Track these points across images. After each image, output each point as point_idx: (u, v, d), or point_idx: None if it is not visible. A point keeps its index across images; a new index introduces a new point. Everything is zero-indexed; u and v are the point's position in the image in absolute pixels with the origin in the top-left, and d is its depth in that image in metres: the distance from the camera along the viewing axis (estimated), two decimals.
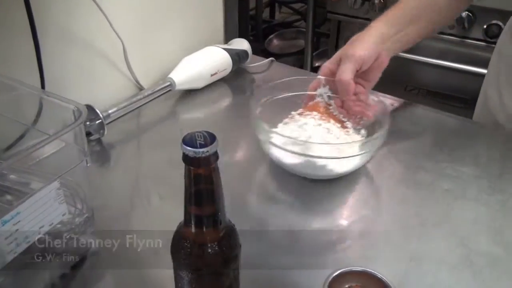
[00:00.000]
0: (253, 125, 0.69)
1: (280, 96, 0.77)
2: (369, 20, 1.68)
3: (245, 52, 0.96)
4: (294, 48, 2.45)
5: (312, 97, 0.75)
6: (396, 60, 1.65)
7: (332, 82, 0.72)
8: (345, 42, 1.83)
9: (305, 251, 0.58)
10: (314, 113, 0.72)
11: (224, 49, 0.92)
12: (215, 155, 0.36)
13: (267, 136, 0.67)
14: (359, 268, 0.51)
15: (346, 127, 0.72)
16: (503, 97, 0.86)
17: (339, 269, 0.50)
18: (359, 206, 0.67)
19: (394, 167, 0.73)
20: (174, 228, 0.59)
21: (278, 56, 2.48)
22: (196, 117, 0.87)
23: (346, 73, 0.69)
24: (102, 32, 0.77)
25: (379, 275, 0.50)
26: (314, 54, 2.38)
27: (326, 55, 1.93)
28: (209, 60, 0.90)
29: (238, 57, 0.94)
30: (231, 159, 0.75)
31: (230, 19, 1.03)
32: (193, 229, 0.39)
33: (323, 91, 0.75)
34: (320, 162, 0.65)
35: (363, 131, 0.73)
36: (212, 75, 0.90)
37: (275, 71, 1.00)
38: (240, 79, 0.97)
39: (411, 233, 0.61)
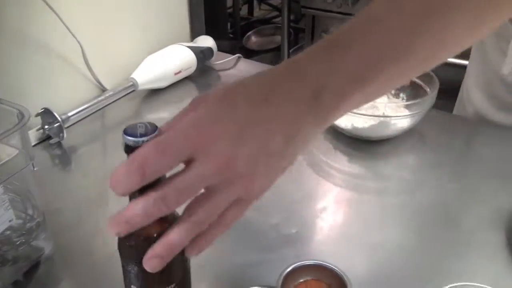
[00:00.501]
0: None
1: None
2: (342, 14, 1.70)
3: (210, 49, 0.95)
4: (272, 44, 2.45)
5: None
6: None
7: None
8: (320, 37, 1.85)
9: (265, 246, 0.57)
10: None
11: (188, 47, 0.92)
12: None
13: None
14: (312, 262, 0.51)
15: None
16: (470, 93, 0.87)
17: (292, 264, 0.50)
18: (318, 198, 0.67)
19: (357, 158, 0.73)
20: None
21: (257, 53, 2.49)
22: (161, 117, 0.86)
23: None
24: (58, 34, 0.76)
25: (333, 267, 0.50)
26: (292, 49, 2.39)
27: None
28: (173, 59, 0.89)
29: (203, 54, 0.93)
30: None
31: (196, 16, 1.02)
32: None
33: None
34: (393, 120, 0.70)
35: (402, 95, 0.78)
36: (176, 73, 0.89)
37: (242, 68, 1.00)
38: (206, 77, 0.97)
39: (370, 224, 0.61)
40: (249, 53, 2.45)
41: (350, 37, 0.36)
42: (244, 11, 3.06)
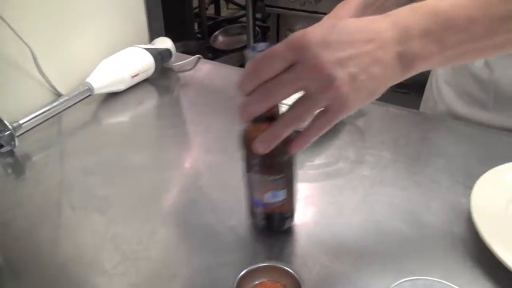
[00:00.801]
0: None
1: None
2: (306, 12, 1.70)
3: (168, 51, 0.94)
4: (240, 43, 2.45)
5: None
6: None
7: None
8: (285, 35, 1.85)
9: (221, 248, 0.57)
10: None
11: (146, 49, 0.90)
12: None
13: None
14: (266, 264, 0.51)
15: None
16: (441, 90, 0.89)
17: (248, 267, 0.50)
18: None
19: (315, 157, 0.73)
20: (85, 240, 0.57)
21: (224, 52, 2.48)
22: (120, 121, 0.85)
23: None
24: (7, 39, 0.74)
25: (287, 268, 0.50)
26: None
27: None
28: (129, 61, 0.88)
29: (161, 56, 0.92)
30: (161, 160, 0.73)
31: (154, 17, 1.00)
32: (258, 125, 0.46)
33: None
34: None
35: None
36: (133, 76, 0.88)
37: (203, 69, 0.99)
38: (165, 78, 0.95)
39: (327, 222, 0.61)
40: (216, 53, 2.45)
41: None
42: (211, 10, 3.04)
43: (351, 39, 0.41)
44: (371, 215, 0.62)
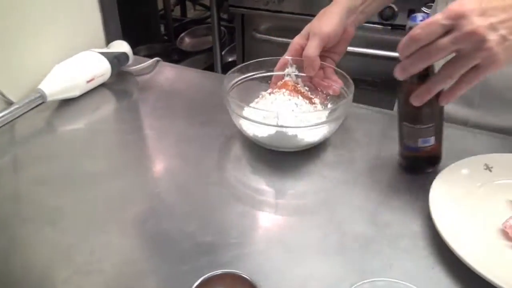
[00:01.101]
0: (226, 103, 0.71)
1: (249, 77, 0.80)
2: (270, 11, 1.69)
3: (125, 54, 0.91)
4: (207, 44, 2.42)
5: (281, 77, 0.77)
6: None
7: (299, 61, 0.74)
8: (251, 37, 1.82)
9: (179, 256, 0.55)
10: (283, 90, 0.73)
11: (101, 53, 0.88)
12: None
13: (241, 112, 0.70)
14: (222, 271, 0.49)
15: (314, 103, 0.75)
16: None
17: (204, 275, 0.48)
18: (236, 203, 0.65)
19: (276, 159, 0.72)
20: (35, 253, 0.55)
21: (191, 54, 2.45)
22: (75, 128, 0.82)
23: (312, 50, 0.71)
24: None
25: (244, 275, 0.48)
26: (226, 49, 2.37)
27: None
28: (84, 66, 0.85)
29: (117, 60, 0.89)
30: (118, 167, 0.70)
31: (110, 20, 0.97)
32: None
33: (291, 70, 0.76)
34: (291, 132, 0.67)
35: (330, 106, 0.76)
36: (88, 81, 0.85)
37: (162, 72, 0.97)
38: (123, 83, 0.93)
39: (288, 226, 0.60)
40: (183, 55, 2.41)
41: None
42: (177, 12, 3.01)
43: (502, 5, 0.49)
44: (332, 216, 0.61)
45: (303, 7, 1.60)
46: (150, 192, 0.66)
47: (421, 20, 0.53)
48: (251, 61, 0.80)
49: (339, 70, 0.76)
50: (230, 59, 2.31)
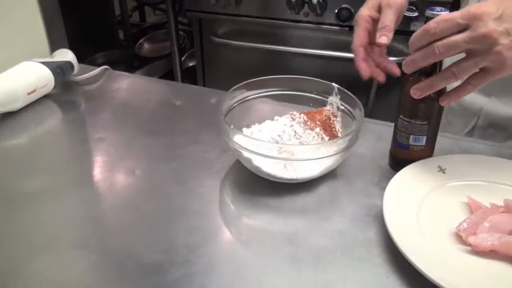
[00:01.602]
0: (221, 127, 0.64)
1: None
2: (227, 15, 1.67)
3: (69, 63, 0.87)
4: (167, 50, 2.37)
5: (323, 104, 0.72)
6: (259, 53, 1.63)
7: (344, 93, 0.69)
8: (209, 41, 1.78)
9: (121, 280, 0.52)
10: (298, 115, 0.68)
11: (43, 62, 0.83)
12: None
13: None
14: None
15: (322, 138, 0.67)
16: None
17: None
18: (183, 217, 0.62)
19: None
20: None
21: (150, 60, 2.40)
22: (17, 142, 0.77)
23: (389, 22, 0.64)
24: None
25: None
26: (187, 53, 2.33)
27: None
28: (24, 77, 0.80)
29: (61, 70, 0.85)
30: (61, 184, 0.66)
31: (54, 29, 0.93)
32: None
33: (335, 100, 0.71)
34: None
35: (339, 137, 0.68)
36: (29, 93, 0.80)
37: (110, 80, 0.93)
38: (68, 93, 0.88)
39: (238, 241, 0.58)
40: (142, 61, 2.36)
41: None
42: (136, 18, 2.95)
43: None
44: (284, 228, 0.59)
45: (261, 10, 1.58)
46: (94, 210, 0.62)
47: (438, 11, 0.55)
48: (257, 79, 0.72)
49: (344, 90, 0.70)
50: (190, 64, 2.27)
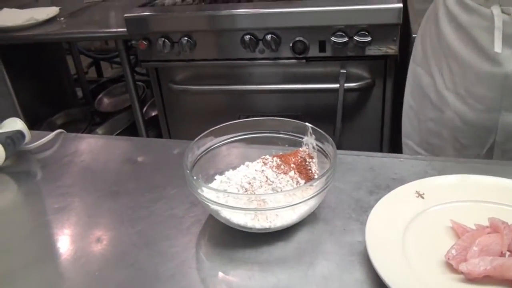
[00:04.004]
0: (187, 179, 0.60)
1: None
2: (184, 61, 1.65)
3: (19, 132, 0.82)
4: (127, 102, 2.33)
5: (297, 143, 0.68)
6: (220, 94, 1.61)
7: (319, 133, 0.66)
8: (168, 89, 1.75)
9: None
10: (270, 159, 0.64)
11: None
12: None
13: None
14: None
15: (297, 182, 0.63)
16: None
17: None
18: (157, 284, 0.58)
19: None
20: None
21: (111, 114, 2.36)
22: None
23: None
24: None
25: None
26: (149, 103, 2.30)
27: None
28: None
29: (11, 140, 0.80)
30: (13, 268, 0.60)
31: (1, 97, 0.88)
32: None
33: (310, 140, 0.67)
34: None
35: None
36: None
37: (66, 144, 0.88)
38: (22, 163, 0.83)
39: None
40: (104, 116, 2.31)
41: None
42: (93, 74, 2.92)
43: None
44: (266, 280, 0.55)
45: (216, 52, 1.57)
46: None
47: None
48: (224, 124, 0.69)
49: (317, 128, 0.67)
50: (153, 113, 2.24)
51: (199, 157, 0.67)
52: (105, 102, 2.41)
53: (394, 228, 0.56)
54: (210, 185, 0.65)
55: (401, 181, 0.64)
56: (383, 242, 0.53)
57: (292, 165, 0.64)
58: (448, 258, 0.51)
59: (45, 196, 0.76)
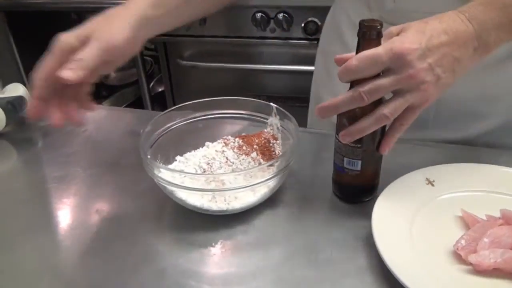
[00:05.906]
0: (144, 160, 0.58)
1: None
2: (194, 36, 1.62)
3: (21, 98, 0.80)
4: (134, 76, 2.30)
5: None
6: (227, 73, 1.59)
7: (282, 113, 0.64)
8: (176, 64, 1.72)
9: None
10: (232, 140, 0.63)
11: None
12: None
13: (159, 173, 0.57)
14: None
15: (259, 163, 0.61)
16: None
17: None
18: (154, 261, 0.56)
19: None
20: None
21: (118, 88, 2.33)
22: None
23: (88, 60, 0.54)
24: None
25: None
26: (156, 78, 2.27)
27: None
28: None
29: (12, 106, 0.78)
30: (10, 235, 0.59)
31: (5, 62, 0.86)
32: None
33: (274, 121, 0.65)
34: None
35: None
36: None
37: None
38: (24, 131, 0.81)
39: (215, 277, 0.52)
40: (110, 90, 2.29)
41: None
42: None
43: (438, 43, 0.48)
44: (266, 261, 0.53)
45: (226, 29, 1.54)
46: (53, 259, 0.56)
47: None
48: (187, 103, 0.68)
49: (282, 109, 0.64)
50: (160, 90, 2.21)
51: (161, 134, 0.65)
52: (112, 75, 2.37)
53: (402, 215, 0.54)
54: (170, 166, 0.63)
55: (411, 168, 0.61)
56: (390, 229, 0.52)
57: (255, 146, 0.63)
58: (457, 248, 0.49)
59: (45, 165, 0.75)
